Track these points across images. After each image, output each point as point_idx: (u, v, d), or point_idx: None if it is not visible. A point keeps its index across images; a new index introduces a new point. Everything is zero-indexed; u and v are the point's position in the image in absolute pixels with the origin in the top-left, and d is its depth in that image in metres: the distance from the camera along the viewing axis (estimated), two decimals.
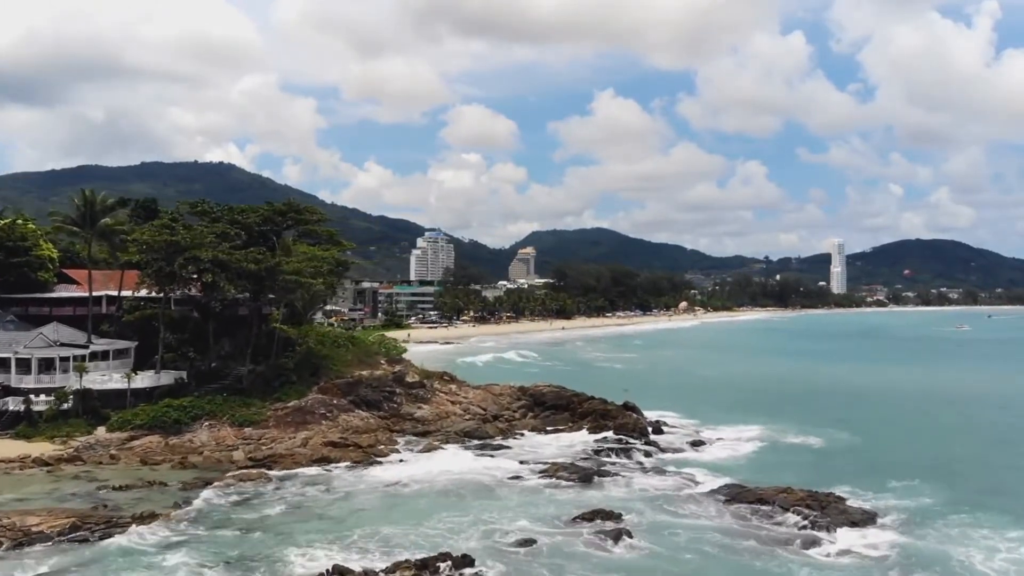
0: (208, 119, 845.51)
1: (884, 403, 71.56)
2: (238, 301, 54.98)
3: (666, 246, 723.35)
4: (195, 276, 51.65)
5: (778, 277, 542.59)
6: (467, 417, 52.07)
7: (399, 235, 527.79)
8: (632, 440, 49.06)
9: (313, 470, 40.94)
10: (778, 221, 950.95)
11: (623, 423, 51.61)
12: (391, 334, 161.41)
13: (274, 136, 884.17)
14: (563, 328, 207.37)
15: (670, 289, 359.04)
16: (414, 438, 48.75)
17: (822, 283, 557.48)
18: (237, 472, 39.90)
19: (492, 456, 44.36)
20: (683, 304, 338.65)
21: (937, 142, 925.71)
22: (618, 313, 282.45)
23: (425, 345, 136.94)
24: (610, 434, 49.93)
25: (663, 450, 48.31)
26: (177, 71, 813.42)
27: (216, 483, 38.10)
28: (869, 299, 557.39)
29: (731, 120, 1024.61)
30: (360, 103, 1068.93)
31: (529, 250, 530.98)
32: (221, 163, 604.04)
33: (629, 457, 45.71)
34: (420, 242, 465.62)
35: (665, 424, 55.45)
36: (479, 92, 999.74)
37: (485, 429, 49.81)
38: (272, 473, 40.23)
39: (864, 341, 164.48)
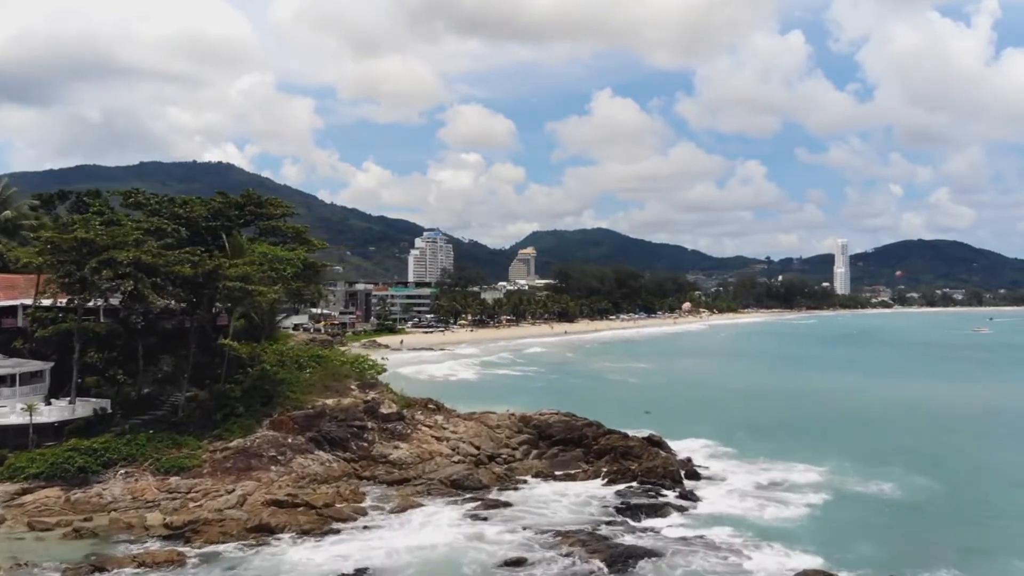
0: (206, 119, 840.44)
1: (953, 429, 61.10)
2: (172, 312, 44.78)
3: (667, 246, 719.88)
4: (112, 283, 41.19)
5: (780, 278, 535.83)
6: (455, 459, 41.68)
7: (398, 235, 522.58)
8: (663, 491, 38.73)
9: (244, 545, 30.53)
10: (778, 221, 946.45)
11: (650, 467, 41.24)
12: (383, 339, 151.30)
13: (272, 136, 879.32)
14: (566, 332, 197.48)
15: (675, 290, 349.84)
16: (388, 489, 38.39)
17: (825, 284, 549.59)
18: (139, 552, 29.53)
19: (485, 519, 33.95)
20: (686, 306, 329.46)
21: (937, 142, 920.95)
22: (622, 316, 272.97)
23: (417, 352, 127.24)
24: (635, 483, 39.55)
25: (702, 501, 38.16)
26: (173, 70, 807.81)
27: (105, 570, 27.78)
28: (874, 300, 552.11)
29: (730, 120, 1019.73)
30: (357, 103, 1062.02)
31: (530, 250, 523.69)
32: (220, 163, 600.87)
33: (662, 516, 35.46)
34: (418, 242, 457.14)
35: (699, 466, 44.91)
36: (477, 92, 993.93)
37: (477, 476, 39.43)
38: (189, 550, 29.88)
39: (889, 348, 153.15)
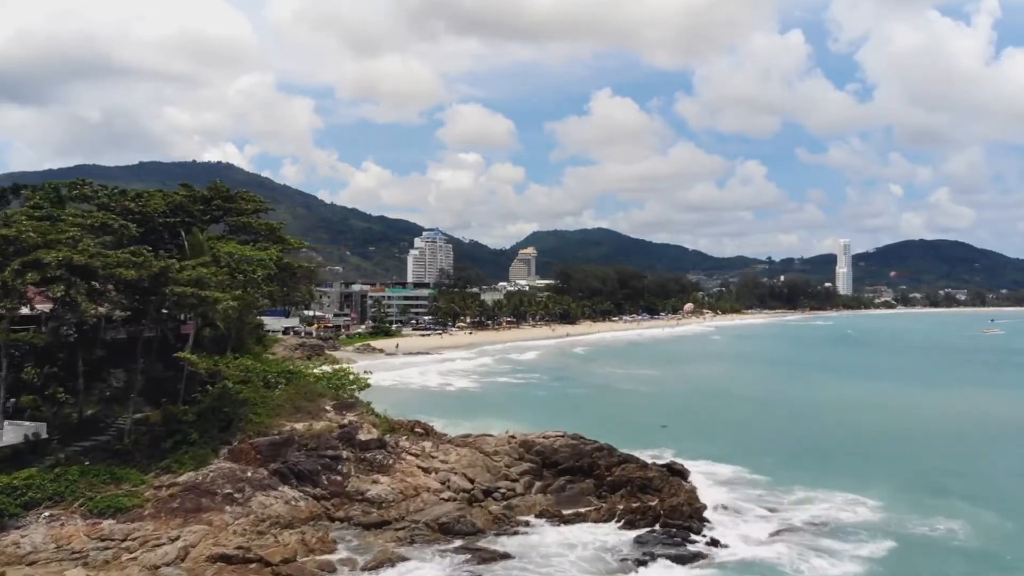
0: (205, 119, 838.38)
1: (1005, 446, 55.18)
2: (113, 321, 38.66)
3: (668, 246, 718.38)
4: (41, 288, 35.09)
5: (782, 278, 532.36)
6: (445, 495, 35.47)
7: (398, 235, 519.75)
8: (692, 537, 32.57)
9: None
10: (778, 221, 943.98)
11: (674, 505, 35.08)
12: (378, 343, 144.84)
13: (272, 136, 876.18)
14: (567, 334, 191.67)
15: (678, 291, 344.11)
16: (364, 534, 32.19)
17: (827, 284, 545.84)
18: None
19: None
20: (688, 307, 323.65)
21: (937, 142, 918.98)
22: (624, 317, 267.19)
23: (412, 357, 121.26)
24: (656, 527, 33.39)
25: (736, 548, 32.07)
26: (172, 70, 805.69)
27: None
28: (877, 300, 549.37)
29: (729, 120, 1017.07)
30: (356, 103, 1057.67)
31: (530, 251, 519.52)
32: (220, 163, 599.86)
33: (690, 570, 29.41)
34: (418, 242, 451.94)
35: (724, 507, 38.37)
36: (476, 91, 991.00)
37: (471, 518, 33.23)
38: None
39: (907, 351, 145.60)
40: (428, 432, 41.26)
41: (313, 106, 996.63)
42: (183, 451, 35.88)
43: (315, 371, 46.57)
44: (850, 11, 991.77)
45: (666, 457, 46.69)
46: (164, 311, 37.97)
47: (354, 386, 44.84)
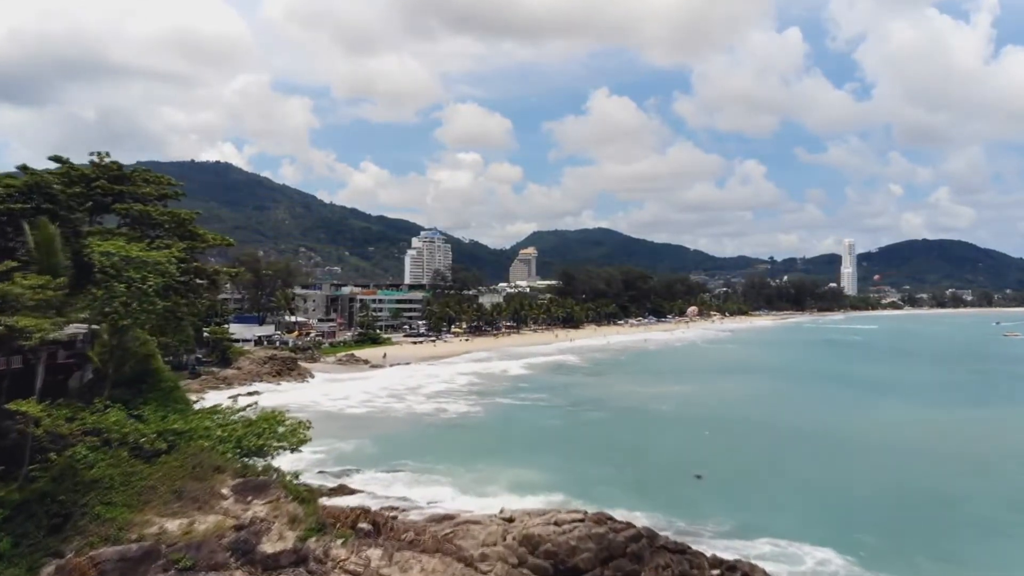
0: (202, 118, 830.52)
1: None
2: None
3: (669, 246, 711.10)
4: None
5: (786, 278, 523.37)
6: None
7: (398, 235, 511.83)
8: None
9: None
10: (778, 221, 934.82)
11: None
12: (364, 352, 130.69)
13: (269, 135, 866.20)
14: (571, 340, 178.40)
15: (684, 292, 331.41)
16: None
17: (832, 284, 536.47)
18: None
19: None
20: (692, 309, 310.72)
21: (936, 141, 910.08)
22: (631, 320, 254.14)
23: (400, 368, 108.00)
24: None
25: None
26: (166, 69, 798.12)
27: None
28: (884, 301, 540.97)
29: (727, 119, 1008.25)
30: (353, 102, 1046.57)
31: (531, 251, 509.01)
32: (218, 162, 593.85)
33: None
34: (415, 242, 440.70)
35: None
36: (473, 91, 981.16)
37: None
38: None
39: (957, 362, 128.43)
40: (379, 528, 27.08)
41: (310, 105, 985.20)
42: None
43: (233, 418, 32.67)
44: (848, 9, 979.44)
45: (710, 533, 33.79)
46: None
47: (282, 443, 31.00)
